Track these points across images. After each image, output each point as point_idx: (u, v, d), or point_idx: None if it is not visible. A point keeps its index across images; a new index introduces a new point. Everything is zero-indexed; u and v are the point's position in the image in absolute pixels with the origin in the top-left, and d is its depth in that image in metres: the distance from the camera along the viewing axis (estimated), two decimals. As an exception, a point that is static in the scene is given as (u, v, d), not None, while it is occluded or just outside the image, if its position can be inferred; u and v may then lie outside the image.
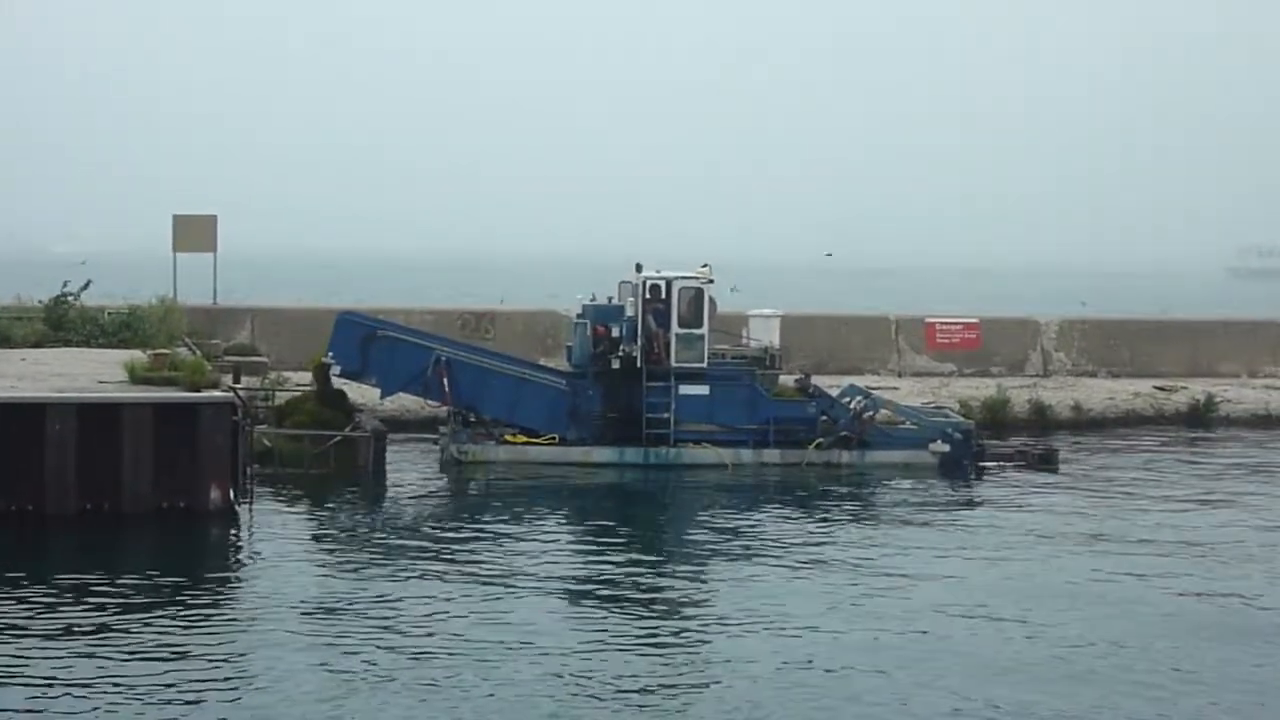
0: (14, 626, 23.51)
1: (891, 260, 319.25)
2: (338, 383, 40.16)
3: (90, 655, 22.08)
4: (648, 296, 40.10)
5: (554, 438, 40.03)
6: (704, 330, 40.06)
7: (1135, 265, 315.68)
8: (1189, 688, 21.80)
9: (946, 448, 40.63)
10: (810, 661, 22.49)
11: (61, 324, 43.98)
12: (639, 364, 39.80)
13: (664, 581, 27.95)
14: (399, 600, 25.54)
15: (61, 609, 24.56)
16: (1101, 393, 51.64)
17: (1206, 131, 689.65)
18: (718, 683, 21.55)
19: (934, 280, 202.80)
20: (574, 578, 28.05)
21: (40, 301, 45.64)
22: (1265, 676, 22.55)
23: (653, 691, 21.11)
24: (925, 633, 24.25)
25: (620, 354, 39.93)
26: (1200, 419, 50.58)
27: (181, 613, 24.60)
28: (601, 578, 28.06)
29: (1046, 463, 41.19)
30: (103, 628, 23.58)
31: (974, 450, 40.94)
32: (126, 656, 22.08)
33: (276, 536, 30.50)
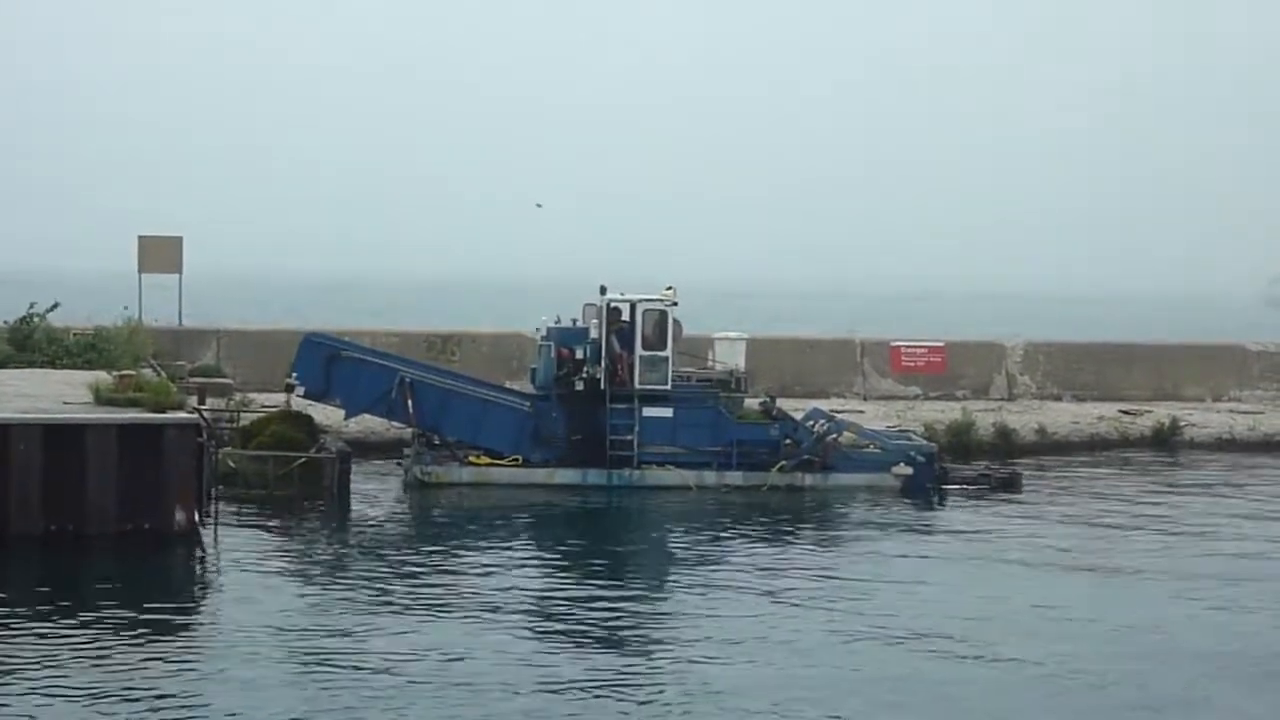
0: (-25, 648, 23.51)
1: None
2: (302, 404, 40.24)
3: (54, 676, 22.07)
4: (611, 318, 40.28)
5: (518, 459, 40.13)
6: (668, 352, 40.20)
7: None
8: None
9: (910, 471, 40.80)
10: (775, 686, 22.61)
11: (26, 344, 43.89)
12: (603, 386, 39.95)
13: (627, 606, 28.01)
14: (363, 625, 25.54)
15: (24, 631, 24.52)
16: (1066, 416, 51.88)
17: (1248, 157, 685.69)
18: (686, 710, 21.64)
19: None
20: (539, 602, 28.13)
21: (5, 322, 45.54)
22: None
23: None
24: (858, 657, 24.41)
25: (584, 376, 40.07)
26: (1165, 443, 50.84)
27: (147, 634, 24.60)
28: (565, 601, 28.18)
29: (1010, 487, 41.36)
30: (67, 649, 23.54)
31: (937, 473, 41.13)
32: (90, 678, 22.05)
33: (241, 558, 30.49)
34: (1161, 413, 52.53)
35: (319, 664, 23.06)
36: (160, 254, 52.76)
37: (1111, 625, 26.73)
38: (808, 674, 23.24)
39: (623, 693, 22.11)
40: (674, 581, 30.39)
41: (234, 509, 34.79)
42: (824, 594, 28.57)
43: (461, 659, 23.57)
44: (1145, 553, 33.28)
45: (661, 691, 22.25)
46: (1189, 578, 30.60)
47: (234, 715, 20.59)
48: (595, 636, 25.49)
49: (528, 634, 25.43)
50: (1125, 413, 52.68)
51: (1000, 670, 23.83)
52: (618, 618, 26.93)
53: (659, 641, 25.29)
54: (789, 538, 34.60)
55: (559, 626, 26.10)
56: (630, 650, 24.71)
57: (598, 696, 21.90)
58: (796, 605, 27.61)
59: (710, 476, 40.18)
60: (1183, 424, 51.73)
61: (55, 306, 45.75)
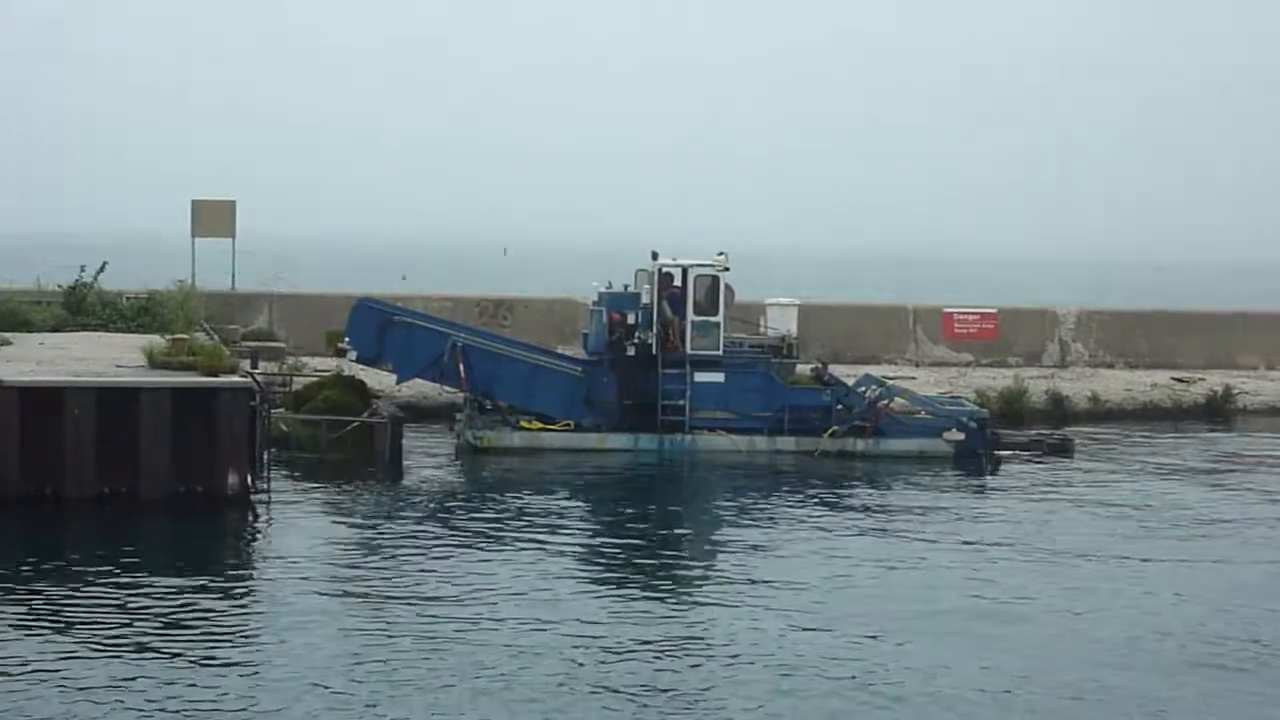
0: (32, 610, 23.66)
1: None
2: (354, 369, 40.36)
3: (111, 638, 22.23)
4: (663, 284, 40.24)
5: (569, 424, 40.15)
6: (719, 318, 40.15)
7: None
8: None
9: (961, 436, 40.65)
10: (821, 655, 22.59)
11: (80, 308, 44.17)
12: (654, 351, 39.92)
13: (677, 570, 28.13)
14: (418, 585, 25.66)
15: (80, 594, 24.66)
16: (1119, 384, 51.67)
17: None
18: (730, 672, 21.64)
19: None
20: (591, 565, 28.25)
21: (59, 286, 45.80)
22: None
23: (674, 674, 21.23)
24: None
25: (636, 341, 40.04)
26: (1218, 411, 50.58)
27: (201, 597, 24.73)
28: (616, 564, 28.30)
29: (1062, 452, 41.26)
30: (123, 611, 23.70)
31: (989, 439, 40.99)
32: (146, 639, 22.21)
33: (294, 521, 30.67)
34: (1215, 380, 52.23)
35: (373, 626, 23.13)
36: (214, 218, 52.91)
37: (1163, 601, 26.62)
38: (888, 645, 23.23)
39: (673, 655, 22.13)
40: (721, 545, 30.39)
41: (286, 473, 34.94)
42: (872, 560, 28.51)
43: (519, 618, 23.62)
44: (1201, 522, 33.11)
45: (710, 656, 22.27)
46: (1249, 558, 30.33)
47: (289, 677, 20.67)
48: (642, 598, 25.47)
49: (579, 594, 25.47)
50: (1178, 380, 52.41)
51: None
52: (666, 581, 26.99)
53: (708, 604, 25.27)
54: (838, 504, 34.47)
55: (608, 589, 26.11)
56: (681, 613, 24.68)
57: (649, 659, 21.93)
58: (849, 572, 27.59)
59: (762, 442, 40.13)
60: (1236, 392, 51.44)
61: (104, 267, 45.87)
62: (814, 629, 23.60)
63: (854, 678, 21.18)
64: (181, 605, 24.10)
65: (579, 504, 34.81)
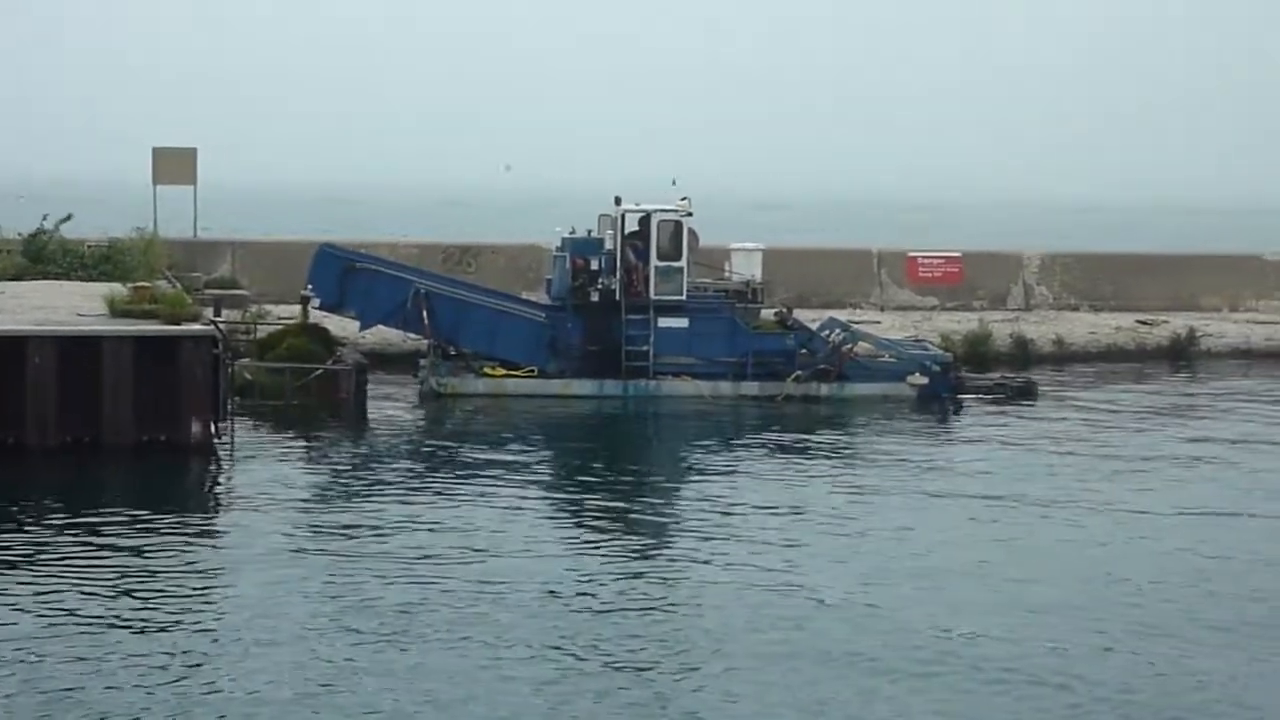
0: (-7, 558, 23.64)
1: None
2: (318, 316, 40.28)
3: (73, 590, 22.16)
4: (626, 229, 40.20)
5: (533, 370, 40.16)
6: (683, 263, 40.13)
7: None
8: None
9: (925, 380, 40.76)
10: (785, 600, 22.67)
11: (41, 257, 43.96)
12: (618, 297, 39.91)
13: (644, 517, 28.19)
14: (382, 533, 25.66)
15: (43, 544, 24.60)
16: (1083, 327, 51.84)
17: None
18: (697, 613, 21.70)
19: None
20: (554, 513, 28.34)
21: (19, 234, 45.56)
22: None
23: (645, 613, 21.29)
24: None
25: (599, 287, 40.00)
26: (1182, 353, 50.79)
27: (164, 545, 24.69)
28: (581, 510, 28.37)
29: (1025, 395, 41.45)
30: (86, 560, 23.65)
31: (952, 383, 41.11)
32: (109, 590, 22.15)
33: (258, 470, 30.61)
34: (1179, 323, 52.44)
35: (336, 571, 23.16)
36: (174, 166, 52.68)
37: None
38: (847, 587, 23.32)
39: (642, 604, 22.20)
40: (686, 492, 30.42)
41: (250, 421, 34.88)
42: (830, 509, 28.63)
43: (483, 559, 23.72)
44: (1164, 467, 33.29)
45: (667, 595, 22.34)
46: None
47: (254, 619, 20.68)
48: (608, 544, 25.53)
49: (545, 539, 25.51)
50: (1142, 323, 52.59)
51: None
52: (632, 527, 27.08)
53: (675, 552, 25.36)
54: (802, 450, 34.57)
55: (575, 535, 26.19)
56: (649, 563, 24.76)
57: (617, 603, 21.99)
58: (809, 520, 27.69)
59: (726, 387, 40.19)
60: (1200, 334, 51.65)
61: (68, 218, 45.71)
62: (779, 575, 23.68)
63: (847, 639, 20.84)
64: (144, 555, 24.04)
65: (543, 450, 34.86)
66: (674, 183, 40.77)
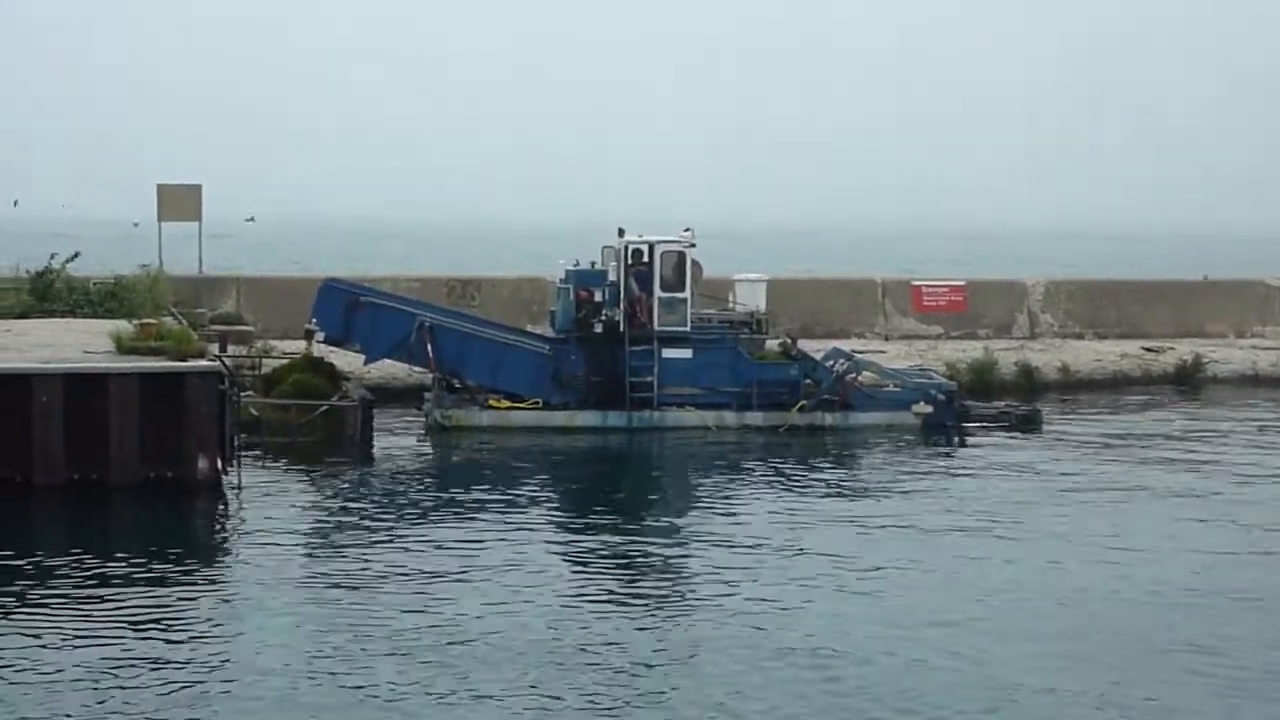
0: (1, 600, 23.60)
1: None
2: (323, 351, 40.35)
3: (80, 627, 22.19)
4: (630, 260, 40.28)
5: (537, 402, 40.21)
6: (686, 294, 40.22)
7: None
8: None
9: (929, 409, 40.81)
10: (790, 637, 22.64)
11: (47, 294, 44.04)
12: (622, 328, 39.97)
13: (650, 549, 28.06)
14: (391, 567, 25.65)
15: (51, 582, 24.63)
16: (1089, 354, 51.86)
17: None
18: (693, 658, 21.59)
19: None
20: (561, 548, 28.30)
21: (27, 272, 45.67)
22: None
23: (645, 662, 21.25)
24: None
25: (603, 318, 40.07)
26: (1188, 379, 50.80)
27: (171, 583, 24.71)
28: (586, 542, 28.32)
29: (1030, 424, 41.42)
30: (94, 599, 23.66)
31: (957, 412, 41.13)
32: (118, 627, 22.18)
33: (265, 506, 30.59)
34: (1184, 349, 52.45)
35: (344, 610, 23.15)
36: (179, 202, 52.79)
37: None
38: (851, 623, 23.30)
39: (649, 630, 22.20)
40: (691, 523, 30.33)
41: (257, 457, 34.93)
42: (838, 541, 28.60)
43: (489, 598, 23.68)
44: (1168, 496, 33.21)
45: (683, 633, 22.33)
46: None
47: (262, 661, 20.69)
48: (614, 576, 25.53)
49: (551, 572, 25.50)
50: (1148, 350, 52.60)
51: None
52: (638, 558, 27.06)
53: (681, 582, 25.38)
54: (806, 478, 34.55)
55: (580, 567, 26.19)
56: (654, 593, 24.76)
57: (623, 631, 21.99)
58: (813, 554, 27.68)
59: (730, 417, 40.23)
60: (1205, 360, 51.65)
61: (75, 256, 45.88)
62: (790, 606, 23.67)
63: (855, 669, 20.84)
64: (151, 592, 24.08)
65: (548, 482, 34.87)
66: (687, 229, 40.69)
